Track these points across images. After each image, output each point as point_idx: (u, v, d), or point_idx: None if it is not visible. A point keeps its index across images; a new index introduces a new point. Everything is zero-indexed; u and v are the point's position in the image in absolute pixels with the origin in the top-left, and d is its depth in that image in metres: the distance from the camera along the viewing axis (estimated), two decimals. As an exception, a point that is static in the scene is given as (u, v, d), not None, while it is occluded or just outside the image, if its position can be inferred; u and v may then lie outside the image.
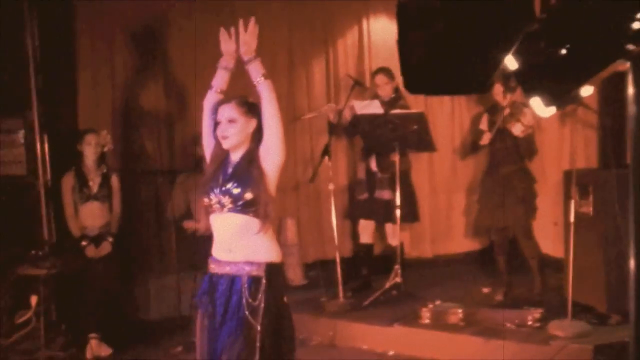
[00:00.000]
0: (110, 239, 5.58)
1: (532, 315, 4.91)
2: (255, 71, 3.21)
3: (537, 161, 6.13)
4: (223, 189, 3.16)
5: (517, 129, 5.34)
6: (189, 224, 5.81)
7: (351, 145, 6.74)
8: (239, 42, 3.23)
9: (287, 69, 6.68)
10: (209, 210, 3.23)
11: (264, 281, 3.15)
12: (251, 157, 3.21)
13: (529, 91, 2.00)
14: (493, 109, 5.68)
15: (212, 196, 3.19)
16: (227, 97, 3.30)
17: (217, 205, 3.17)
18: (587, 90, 2.27)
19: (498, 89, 5.44)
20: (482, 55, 2.24)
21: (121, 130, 6.15)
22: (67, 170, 5.64)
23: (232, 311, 3.14)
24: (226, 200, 3.15)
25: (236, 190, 3.14)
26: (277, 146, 3.18)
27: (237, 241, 3.17)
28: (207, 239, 5.63)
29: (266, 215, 3.16)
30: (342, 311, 5.49)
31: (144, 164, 6.27)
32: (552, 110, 2.18)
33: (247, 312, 3.10)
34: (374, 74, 6.01)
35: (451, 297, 5.57)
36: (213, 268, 3.26)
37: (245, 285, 3.14)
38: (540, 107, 2.17)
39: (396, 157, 5.53)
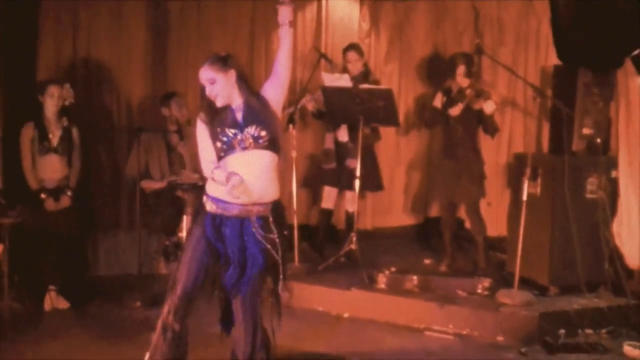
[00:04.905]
0: (69, 193, 5.54)
1: (482, 284, 5.29)
2: (285, 15, 3.54)
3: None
4: (245, 130, 3.41)
5: (489, 107, 5.63)
6: (147, 184, 5.86)
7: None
8: None
9: (248, 38, 6.79)
10: (220, 153, 3.45)
11: (270, 219, 3.50)
12: (260, 100, 3.50)
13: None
14: (448, 89, 5.96)
15: (228, 138, 3.41)
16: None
17: (239, 145, 3.40)
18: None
19: (461, 70, 5.73)
20: (623, 37, 2.49)
21: (82, 84, 6.06)
22: (21, 120, 5.51)
23: (251, 249, 3.45)
24: (249, 139, 3.40)
25: (257, 130, 3.41)
26: (284, 84, 3.57)
27: (253, 178, 3.39)
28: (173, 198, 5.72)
29: (282, 150, 3.52)
30: (297, 274, 5.70)
31: (103, 119, 6.23)
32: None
33: (264, 245, 3.44)
34: (345, 50, 6.21)
35: (398, 267, 5.88)
36: (217, 209, 3.47)
37: (257, 225, 3.46)
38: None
39: (365, 129, 5.81)
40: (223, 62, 3.46)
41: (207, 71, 3.45)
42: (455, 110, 5.66)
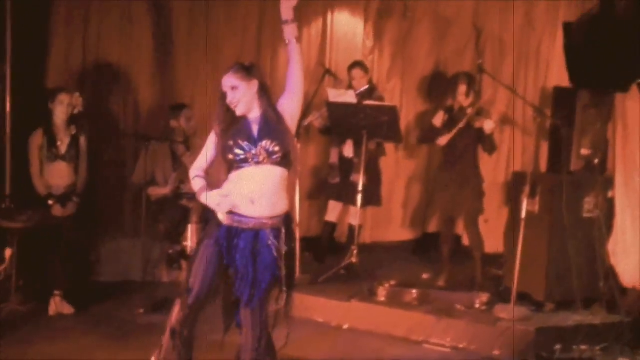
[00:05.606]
0: (76, 200, 5.63)
1: (480, 299, 5.38)
2: (290, 33, 3.60)
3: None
4: (259, 145, 3.46)
5: (488, 126, 5.75)
6: (153, 190, 5.95)
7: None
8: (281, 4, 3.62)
9: (254, 50, 6.92)
10: (232, 165, 3.52)
11: (283, 230, 3.57)
12: (276, 115, 3.54)
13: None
14: (450, 108, 6.09)
15: (241, 151, 3.46)
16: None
17: (253, 159, 3.46)
18: None
19: (462, 89, 5.85)
20: (631, 60, 2.60)
21: (91, 92, 6.15)
22: (30, 127, 5.60)
23: (266, 260, 3.52)
24: (263, 154, 3.46)
25: (272, 145, 3.46)
26: (299, 99, 3.61)
27: (267, 192, 3.48)
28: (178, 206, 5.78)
29: (293, 165, 3.57)
30: (298, 285, 5.76)
31: (110, 125, 6.34)
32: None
33: (277, 256, 3.52)
34: (351, 67, 6.36)
35: (397, 280, 5.96)
36: (232, 222, 3.53)
37: (271, 237, 3.53)
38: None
39: (371, 145, 6.01)
40: (247, 71, 3.51)
41: (231, 78, 3.50)
42: (442, 141, 5.80)
